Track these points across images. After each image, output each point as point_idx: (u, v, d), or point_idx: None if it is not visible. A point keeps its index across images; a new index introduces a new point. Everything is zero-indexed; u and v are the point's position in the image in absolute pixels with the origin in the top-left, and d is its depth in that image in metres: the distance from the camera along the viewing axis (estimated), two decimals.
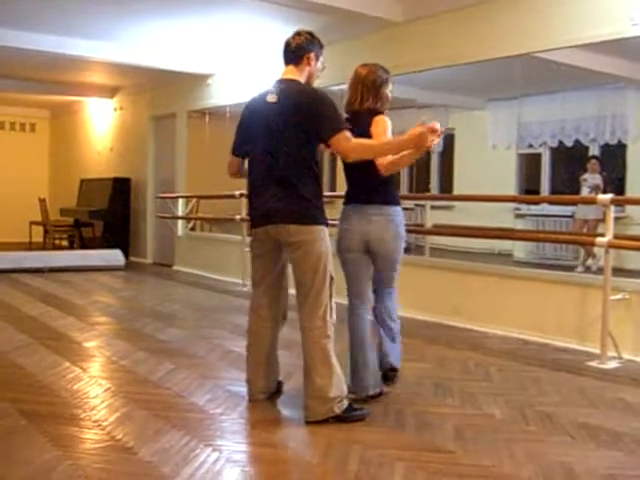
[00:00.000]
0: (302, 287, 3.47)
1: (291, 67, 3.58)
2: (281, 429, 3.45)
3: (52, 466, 2.83)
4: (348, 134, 3.37)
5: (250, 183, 3.64)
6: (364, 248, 3.78)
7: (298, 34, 3.61)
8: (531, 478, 2.79)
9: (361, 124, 3.68)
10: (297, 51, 3.56)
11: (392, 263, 3.86)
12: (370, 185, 3.75)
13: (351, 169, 3.80)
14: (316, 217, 3.45)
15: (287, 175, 3.43)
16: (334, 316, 3.47)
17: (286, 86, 3.51)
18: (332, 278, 3.45)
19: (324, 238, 3.44)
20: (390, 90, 3.88)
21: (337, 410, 3.38)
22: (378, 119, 3.73)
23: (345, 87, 3.99)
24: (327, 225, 3.49)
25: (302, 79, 3.57)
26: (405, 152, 3.43)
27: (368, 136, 3.63)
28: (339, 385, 3.41)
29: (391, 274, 3.91)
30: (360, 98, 3.80)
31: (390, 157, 3.52)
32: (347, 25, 6.91)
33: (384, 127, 3.70)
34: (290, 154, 3.42)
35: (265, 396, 3.74)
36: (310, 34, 3.62)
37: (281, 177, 3.44)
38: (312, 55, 3.58)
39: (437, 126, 3.21)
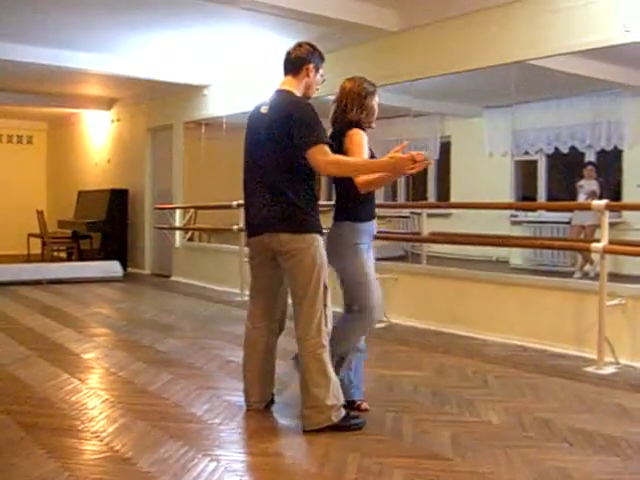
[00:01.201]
0: (296, 297, 3.48)
1: (289, 77, 3.59)
2: (279, 438, 3.45)
3: (51, 478, 2.83)
4: (326, 148, 3.32)
5: (244, 193, 3.66)
6: None
7: (299, 45, 3.62)
8: None
9: (340, 138, 3.58)
10: (297, 61, 3.57)
11: None
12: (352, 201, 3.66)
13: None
14: (309, 226, 3.44)
15: (278, 184, 3.43)
16: (329, 325, 3.46)
17: (277, 97, 3.53)
18: (326, 287, 3.44)
19: (317, 247, 3.42)
20: (376, 102, 3.73)
21: (334, 419, 3.38)
22: (352, 133, 3.57)
23: None
24: (322, 234, 3.48)
25: (299, 90, 3.57)
26: (381, 174, 3.39)
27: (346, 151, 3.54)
28: (336, 394, 3.41)
29: None
30: (344, 110, 3.66)
31: (366, 176, 3.43)
32: (343, 35, 6.94)
33: (358, 141, 3.54)
34: (280, 163, 3.42)
35: (262, 405, 3.74)
36: (311, 46, 3.63)
37: (272, 187, 3.45)
38: (311, 66, 3.57)
39: (419, 157, 3.14)
